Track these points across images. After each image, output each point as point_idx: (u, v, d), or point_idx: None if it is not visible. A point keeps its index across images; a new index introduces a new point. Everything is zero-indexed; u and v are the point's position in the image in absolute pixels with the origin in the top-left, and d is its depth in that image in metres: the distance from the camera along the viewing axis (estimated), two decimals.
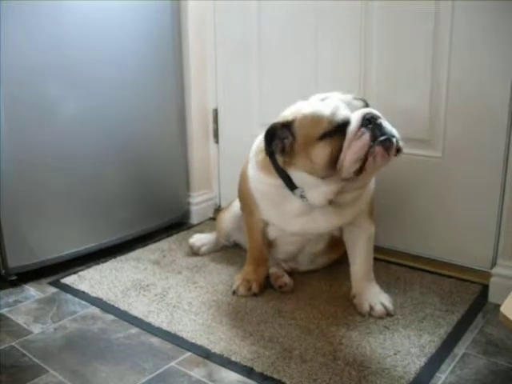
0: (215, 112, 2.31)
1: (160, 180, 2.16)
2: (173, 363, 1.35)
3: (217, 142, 2.34)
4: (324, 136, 1.31)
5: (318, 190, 1.39)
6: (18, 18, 1.61)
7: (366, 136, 1.27)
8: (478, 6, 1.58)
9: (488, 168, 1.67)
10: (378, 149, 1.27)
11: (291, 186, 1.44)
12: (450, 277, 1.75)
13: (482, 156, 1.68)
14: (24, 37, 1.64)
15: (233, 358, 1.36)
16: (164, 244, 2.08)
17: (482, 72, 1.62)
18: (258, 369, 1.31)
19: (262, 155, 1.48)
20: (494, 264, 1.68)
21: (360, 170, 1.29)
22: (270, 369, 1.31)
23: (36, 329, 1.51)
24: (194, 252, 1.97)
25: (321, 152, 1.32)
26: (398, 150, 1.32)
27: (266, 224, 1.62)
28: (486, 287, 1.64)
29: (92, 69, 1.83)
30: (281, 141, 1.37)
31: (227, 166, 2.32)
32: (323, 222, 1.49)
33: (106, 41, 1.85)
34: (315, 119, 1.33)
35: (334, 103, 1.33)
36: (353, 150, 1.28)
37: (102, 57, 1.85)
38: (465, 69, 1.65)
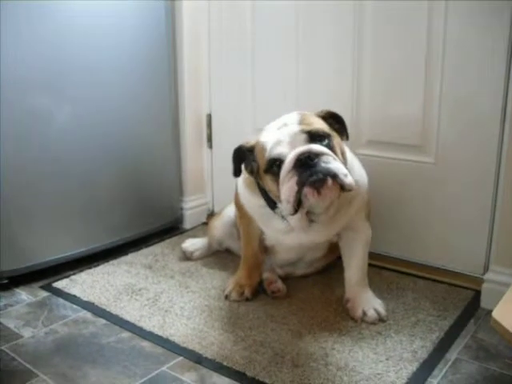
0: (209, 117, 2.31)
1: (153, 185, 2.15)
2: (164, 368, 1.35)
3: (210, 147, 2.34)
4: (267, 170, 1.35)
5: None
6: (12, 24, 1.62)
7: (293, 180, 1.27)
8: (471, 13, 1.60)
9: (480, 174, 1.68)
10: (307, 189, 1.26)
11: (273, 205, 1.45)
12: (442, 282, 1.75)
13: (474, 162, 1.68)
14: (16, 40, 1.64)
15: (225, 363, 1.35)
16: (157, 248, 2.07)
17: (475, 79, 1.63)
18: (249, 374, 1.31)
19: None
20: (486, 270, 1.68)
21: (296, 210, 1.29)
22: (261, 373, 1.30)
23: (27, 333, 1.50)
24: (187, 257, 1.96)
25: (268, 184, 1.38)
26: (342, 187, 1.27)
27: (263, 232, 1.61)
28: (478, 293, 1.65)
29: (86, 75, 1.83)
30: (250, 163, 1.43)
31: (220, 171, 2.32)
32: (315, 235, 1.49)
33: (100, 47, 1.85)
34: (262, 151, 1.37)
35: (277, 137, 1.33)
36: (282, 191, 1.30)
37: (95, 63, 1.85)
38: (458, 76, 1.65)
